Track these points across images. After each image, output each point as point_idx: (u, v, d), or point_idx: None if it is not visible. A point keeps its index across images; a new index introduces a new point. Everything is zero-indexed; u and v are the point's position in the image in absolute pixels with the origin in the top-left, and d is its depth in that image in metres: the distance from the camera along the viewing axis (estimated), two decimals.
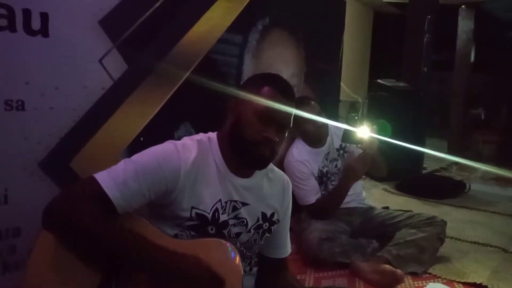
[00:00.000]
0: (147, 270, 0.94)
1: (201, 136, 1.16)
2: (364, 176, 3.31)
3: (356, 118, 4.11)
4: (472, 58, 5.76)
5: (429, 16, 4.12)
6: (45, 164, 1.34)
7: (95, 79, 1.45)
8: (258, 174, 1.18)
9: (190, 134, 1.20)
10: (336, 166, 2.28)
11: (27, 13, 1.25)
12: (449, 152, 5.39)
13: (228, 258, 1.02)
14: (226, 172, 1.12)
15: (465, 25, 5.64)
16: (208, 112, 1.60)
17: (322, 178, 2.23)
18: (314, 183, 2.19)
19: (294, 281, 1.28)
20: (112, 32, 1.47)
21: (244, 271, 1.14)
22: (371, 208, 2.32)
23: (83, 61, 1.41)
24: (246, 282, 1.12)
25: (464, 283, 1.87)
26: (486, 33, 5.70)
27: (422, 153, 4.16)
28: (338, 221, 2.14)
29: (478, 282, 1.86)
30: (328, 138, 2.27)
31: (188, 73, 1.73)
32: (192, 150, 1.08)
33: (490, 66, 5.84)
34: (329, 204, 2.14)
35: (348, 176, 2.05)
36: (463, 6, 5.61)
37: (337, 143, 2.29)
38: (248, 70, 2.09)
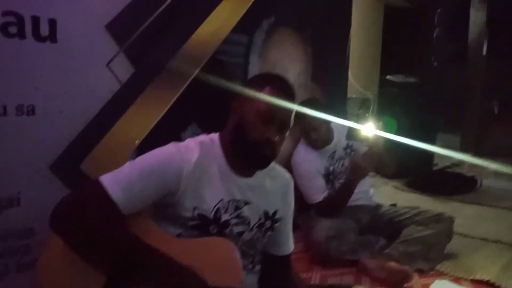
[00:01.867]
0: (142, 274, 0.96)
1: (203, 137, 1.19)
2: (374, 174, 3.30)
3: (366, 115, 4.08)
4: (485, 48, 5.58)
5: (439, 10, 4.07)
6: (56, 167, 1.38)
7: (103, 83, 1.49)
8: (260, 173, 1.20)
9: (197, 135, 1.23)
10: (343, 164, 2.28)
11: (35, 20, 1.30)
12: (463, 146, 5.29)
13: (228, 255, 1.04)
14: (228, 172, 1.15)
15: (477, 15, 5.47)
16: (215, 113, 1.62)
17: (329, 176, 2.24)
18: (321, 181, 2.20)
19: (296, 278, 1.30)
20: (119, 36, 1.51)
21: (247, 269, 1.16)
22: (379, 206, 2.32)
23: (91, 66, 1.45)
24: (249, 280, 1.15)
25: (471, 280, 1.86)
26: (499, 21, 5.51)
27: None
28: (346, 218, 2.15)
29: (486, 279, 1.85)
30: (335, 137, 2.28)
31: (194, 75, 1.76)
32: (194, 152, 1.11)
33: (505, 56, 5.66)
34: (336, 202, 2.14)
35: (354, 173, 2.05)
36: None
37: (344, 141, 2.30)
38: (254, 70, 2.10)
